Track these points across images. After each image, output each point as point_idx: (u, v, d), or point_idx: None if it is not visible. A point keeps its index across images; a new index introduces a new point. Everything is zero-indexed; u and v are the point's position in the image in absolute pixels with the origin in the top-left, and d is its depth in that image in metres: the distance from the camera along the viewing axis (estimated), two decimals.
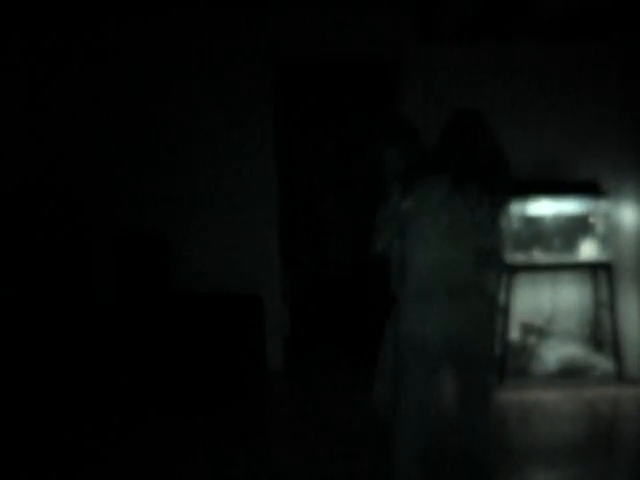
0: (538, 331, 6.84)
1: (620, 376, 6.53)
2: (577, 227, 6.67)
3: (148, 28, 6.73)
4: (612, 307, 6.58)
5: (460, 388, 3.91)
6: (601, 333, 6.90)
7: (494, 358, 4.22)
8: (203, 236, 6.91)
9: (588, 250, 6.62)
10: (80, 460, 5.11)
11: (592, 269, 6.80)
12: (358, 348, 7.47)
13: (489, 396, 3.97)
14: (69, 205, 6.72)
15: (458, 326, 3.75)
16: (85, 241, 6.73)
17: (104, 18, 6.65)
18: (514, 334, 6.78)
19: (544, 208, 6.62)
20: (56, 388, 6.11)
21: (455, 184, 3.82)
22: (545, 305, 6.92)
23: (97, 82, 6.74)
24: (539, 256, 6.61)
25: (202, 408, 6.12)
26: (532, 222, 6.61)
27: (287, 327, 7.24)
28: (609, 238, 6.63)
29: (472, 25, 6.12)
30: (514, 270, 6.54)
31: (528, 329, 6.80)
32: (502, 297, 6.67)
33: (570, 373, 6.56)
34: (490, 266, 3.88)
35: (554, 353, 6.68)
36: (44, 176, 6.66)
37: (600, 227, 6.62)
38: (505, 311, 6.55)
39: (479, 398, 3.91)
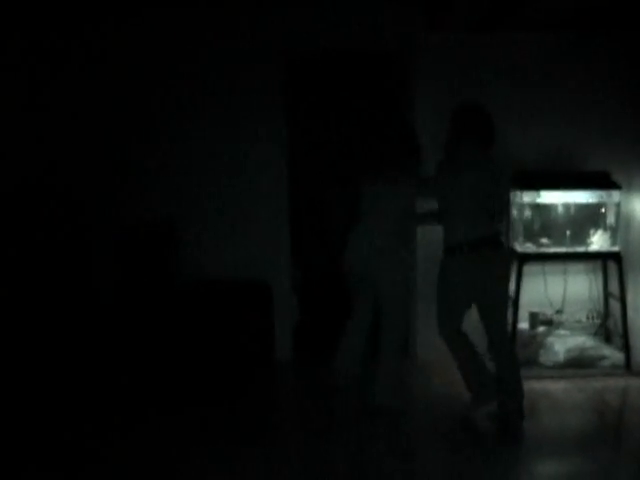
0: (547, 321, 6.84)
1: (629, 367, 6.52)
2: (588, 217, 6.65)
3: (154, 23, 6.69)
4: (622, 298, 6.56)
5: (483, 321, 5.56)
6: (610, 324, 6.90)
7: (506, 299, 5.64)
8: (212, 225, 6.90)
9: (599, 240, 6.61)
10: (83, 458, 5.09)
11: (602, 260, 6.78)
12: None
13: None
14: (77, 196, 6.73)
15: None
16: (94, 233, 6.72)
17: (106, 15, 6.62)
18: (523, 324, 6.77)
19: (555, 198, 6.60)
20: (55, 383, 6.14)
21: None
22: (555, 295, 6.91)
23: (105, 77, 6.72)
24: (549, 246, 6.59)
25: (209, 397, 6.12)
26: (543, 212, 6.60)
27: (296, 316, 7.24)
28: (620, 229, 6.61)
29: (482, 15, 6.09)
30: (524, 259, 6.53)
31: (537, 319, 6.79)
32: (512, 287, 6.67)
33: (579, 364, 6.55)
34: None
35: (563, 343, 6.67)
36: (49, 167, 6.66)
37: (611, 218, 6.60)
38: (514, 301, 6.54)
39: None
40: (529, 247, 6.56)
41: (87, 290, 6.61)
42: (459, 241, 5.36)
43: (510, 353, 5.62)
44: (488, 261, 5.35)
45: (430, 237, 6.84)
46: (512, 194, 6.67)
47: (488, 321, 5.52)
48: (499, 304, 5.52)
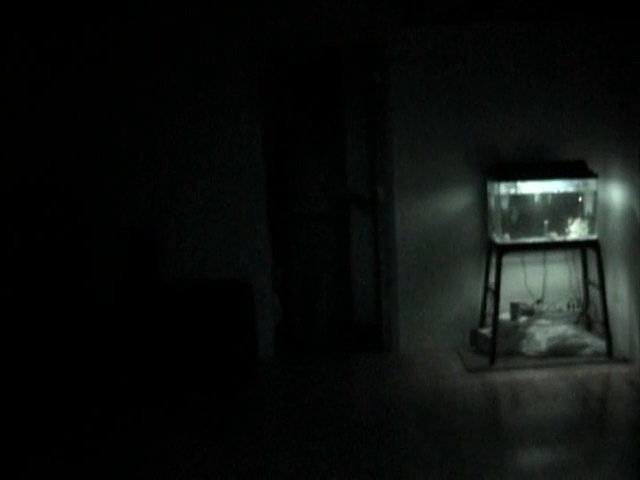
0: (528, 311, 6.86)
1: (611, 354, 6.55)
2: (565, 207, 6.67)
3: (135, 22, 6.71)
4: (601, 286, 6.59)
5: None
6: (591, 312, 6.93)
7: None
8: (192, 225, 6.88)
9: (577, 229, 6.63)
10: (78, 454, 5.14)
11: (581, 248, 6.81)
12: (350, 336, 7.50)
13: None
14: (61, 202, 6.72)
15: None
16: (75, 236, 6.72)
17: (96, 16, 6.64)
18: (504, 315, 6.79)
19: (532, 188, 6.62)
20: (53, 381, 6.13)
21: None
22: (535, 285, 6.94)
23: (82, 76, 6.74)
24: (528, 236, 6.61)
25: (192, 397, 6.12)
26: (520, 202, 6.61)
27: (278, 315, 7.23)
28: (597, 217, 6.64)
29: (458, 6, 6.10)
30: (503, 250, 6.55)
31: (518, 309, 6.81)
32: (491, 278, 6.70)
33: (561, 352, 6.58)
34: None
35: (545, 333, 6.70)
36: (32, 175, 6.66)
37: (588, 206, 6.63)
38: (495, 292, 6.56)
39: None
40: (508, 238, 6.57)
41: (77, 283, 6.63)
42: None
43: None
44: None
45: (410, 236, 6.90)
46: (489, 185, 6.70)
47: None
48: None
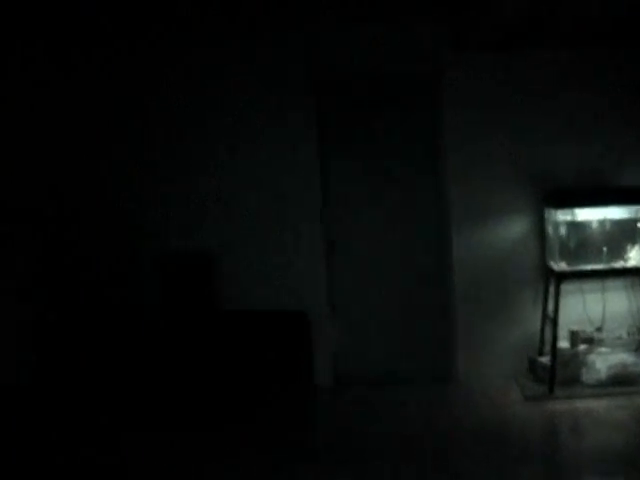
0: (588, 339, 6.79)
1: None
2: (624, 233, 6.61)
3: (179, 45, 6.89)
4: None
5: None
6: None
7: None
8: (249, 254, 6.96)
9: (636, 256, 6.56)
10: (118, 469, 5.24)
11: None
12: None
13: None
14: (117, 227, 6.87)
15: None
16: (134, 262, 6.85)
17: (122, 40, 6.84)
18: (563, 343, 6.73)
19: (590, 214, 6.58)
20: (102, 401, 6.22)
21: None
22: (594, 313, 6.87)
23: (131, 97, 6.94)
24: (586, 263, 6.56)
25: (249, 426, 6.15)
26: (578, 229, 6.57)
27: (335, 342, 7.24)
28: None
29: (511, 34, 6.11)
30: (561, 277, 6.50)
31: (578, 337, 6.75)
32: (550, 306, 6.65)
33: (621, 381, 6.49)
34: None
35: (604, 361, 6.62)
36: (91, 198, 6.86)
37: None
38: (553, 320, 6.51)
39: None
40: (566, 265, 6.52)
41: (136, 311, 6.76)
42: None
43: None
44: None
45: (467, 264, 6.88)
46: (547, 212, 6.67)
47: None
48: None
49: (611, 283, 6.84)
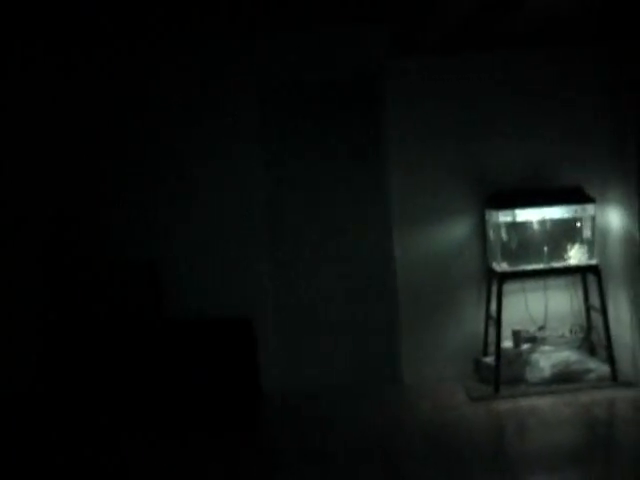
0: (531, 338, 6.85)
1: (615, 379, 6.52)
2: (564, 232, 6.68)
3: (144, 57, 6.85)
4: (603, 310, 6.58)
5: None
6: (594, 337, 6.91)
7: None
8: (193, 262, 6.90)
9: (576, 255, 6.64)
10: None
11: (581, 273, 6.81)
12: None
13: None
14: (63, 234, 6.77)
15: None
16: (75, 269, 6.74)
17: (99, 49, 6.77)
18: (507, 343, 6.77)
19: (530, 215, 6.63)
20: (50, 419, 6.13)
21: None
22: (537, 312, 6.93)
23: (86, 103, 6.83)
24: (528, 263, 6.61)
25: (194, 435, 6.08)
26: (519, 230, 6.63)
27: (280, 349, 7.22)
28: (596, 242, 6.65)
29: (454, 37, 6.13)
30: (503, 278, 6.55)
31: (521, 337, 6.80)
32: (493, 306, 6.69)
33: (565, 378, 6.55)
34: None
35: (548, 359, 6.68)
36: (36, 205, 6.73)
37: (587, 231, 6.64)
38: (496, 320, 6.55)
39: None
40: (508, 265, 6.57)
41: (76, 319, 6.62)
42: None
43: None
44: None
45: (410, 266, 6.91)
46: (488, 213, 6.72)
47: None
48: None
49: (553, 282, 6.90)
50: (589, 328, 6.93)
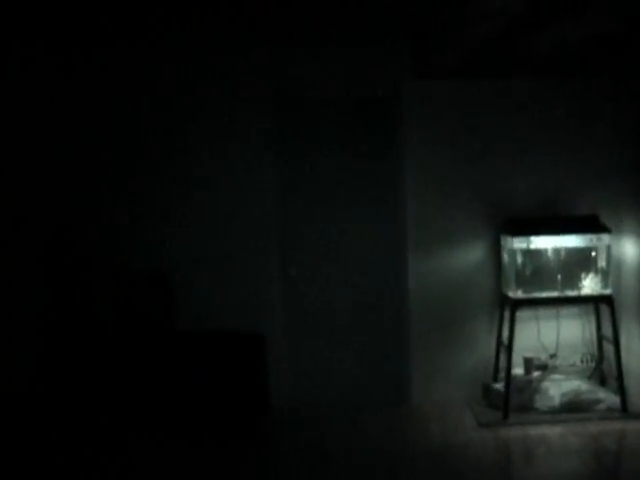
0: (542, 366, 6.83)
1: (625, 409, 6.50)
2: (579, 261, 6.67)
3: (149, 66, 6.88)
4: (615, 341, 6.56)
5: None
6: (605, 367, 6.89)
7: None
8: (205, 277, 6.93)
9: (590, 284, 6.63)
10: None
11: (594, 303, 6.80)
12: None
13: None
14: (72, 245, 6.80)
15: None
16: (87, 283, 6.76)
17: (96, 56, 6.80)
18: (518, 370, 6.76)
19: (545, 243, 6.63)
20: (53, 430, 6.14)
21: None
22: (548, 340, 6.92)
23: (95, 112, 6.88)
24: (541, 291, 6.61)
25: (201, 450, 6.10)
26: (533, 257, 6.63)
27: (290, 365, 7.23)
28: (611, 272, 6.64)
29: (469, 62, 6.16)
30: (516, 305, 6.55)
31: (532, 364, 6.78)
32: (505, 332, 6.69)
33: (575, 408, 6.53)
34: None
35: (558, 388, 6.66)
36: (42, 216, 6.76)
37: (602, 261, 6.63)
38: (508, 346, 6.55)
39: None
40: (521, 293, 6.57)
41: (89, 331, 6.62)
42: None
43: None
44: None
45: (423, 291, 6.91)
46: (503, 240, 6.73)
47: None
48: None
49: (565, 311, 6.90)
50: (600, 358, 6.92)
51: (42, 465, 5.73)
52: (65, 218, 6.83)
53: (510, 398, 6.49)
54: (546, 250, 6.66)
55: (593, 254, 6.65)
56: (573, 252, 6.67)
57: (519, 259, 6.57)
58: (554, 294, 6.61)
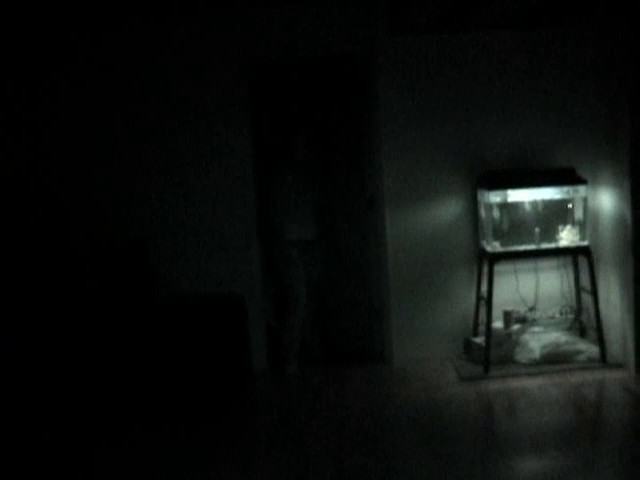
0: (521, 319, 6.86)
1: (604, 360, 6.54)
2: (556, 214, 6.68)
3: (127, 41, 6.78)
4: (594, 292, 6.59)
5: None
6: (584, 318, 6.93)
7: None
8: (183, 240, 6.88)
9: (568, 236, 6.63)
10: (67, 470, 5.12)
11: (572, 255, 6.81)
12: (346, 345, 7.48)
13: None
14: (51, 212, 6.73)
15: None
16: (66, 247, 6.70)
17: (88, 24, 6.69)
18: (497, 323, 6.78)
19: (522, 196, 6.62)
20: (37, 399, 6.10)
21: None
22: (527, 293, 6.94)
23: (75, 86, 6.78)
24: (519, 244, 6.61)
25: (187, 412, 6.10)
26: (510, 210, 6.62)
27: (271, 326, 7.22)
28: (588, 223, 6.65)
29: (443, 16, 6.10)
30: (494, 258, 6.55)
31: (511, 317, 6.81)
32: (484, 287, 6.70)
33: (555, 359, 6.57)
34: None
35: (538, 340, 6.70)
36: (25, 178, 6.73)
37: (579, 213, 6.63)
38: (487, 300, 6.56)
39: None
40: (499, 246, 6.57)
41: (67, 295, 6.58)
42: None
43: None
44: None
45: (400, 247, 6.90)
46: (479, 194, 6.71)
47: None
48: None
49: (543, 263, 6.92)
50: (579, 309, 6.95)
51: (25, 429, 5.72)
52: (44, 188, 6.74)
53: (491, 352, 6.52)
54: (523, 203, 6.66)
55: (570, 206, 6.65)
56: (550, 204, 6.67)
57: (496, 213, 6.56)
58: (532, 247, 6.61)
